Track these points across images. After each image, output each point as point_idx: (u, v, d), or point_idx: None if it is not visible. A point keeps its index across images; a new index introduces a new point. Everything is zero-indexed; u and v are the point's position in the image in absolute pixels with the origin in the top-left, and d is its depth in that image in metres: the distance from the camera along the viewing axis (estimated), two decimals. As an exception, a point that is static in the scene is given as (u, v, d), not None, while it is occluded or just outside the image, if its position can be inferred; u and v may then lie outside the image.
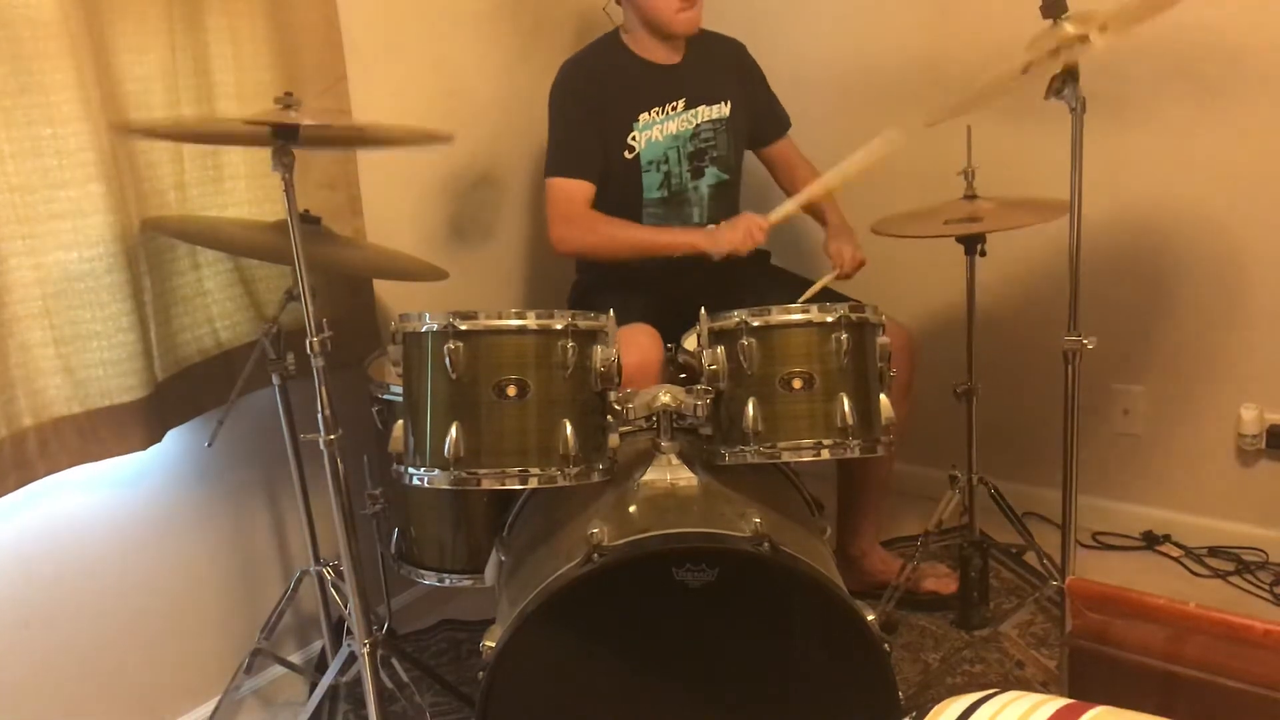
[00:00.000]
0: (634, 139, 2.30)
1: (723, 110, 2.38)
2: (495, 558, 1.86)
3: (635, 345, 2.03)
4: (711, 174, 2.38)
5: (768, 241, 2.22)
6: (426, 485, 1.60)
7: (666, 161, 2.33)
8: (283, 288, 1.96)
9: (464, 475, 1.56)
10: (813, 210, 2.42)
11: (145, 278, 1.88)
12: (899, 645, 2.26)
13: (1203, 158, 2.40)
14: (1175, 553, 2.58)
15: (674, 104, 2.33)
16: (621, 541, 1.52)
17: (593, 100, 2.29)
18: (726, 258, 2.18)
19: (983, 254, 2.16)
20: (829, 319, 1.63)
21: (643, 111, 2.31)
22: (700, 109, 2.36)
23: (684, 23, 2.28)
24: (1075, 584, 1.27)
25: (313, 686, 2.07)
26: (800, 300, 2.18)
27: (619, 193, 2.32)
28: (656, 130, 2.32)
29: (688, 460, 1.70)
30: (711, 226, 2.28)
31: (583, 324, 1.59)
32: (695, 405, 1.66)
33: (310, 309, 1.66)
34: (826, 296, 2.24)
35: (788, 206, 2.22)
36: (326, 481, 1.73)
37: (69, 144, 1.74)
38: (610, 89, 2.30)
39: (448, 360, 1.54)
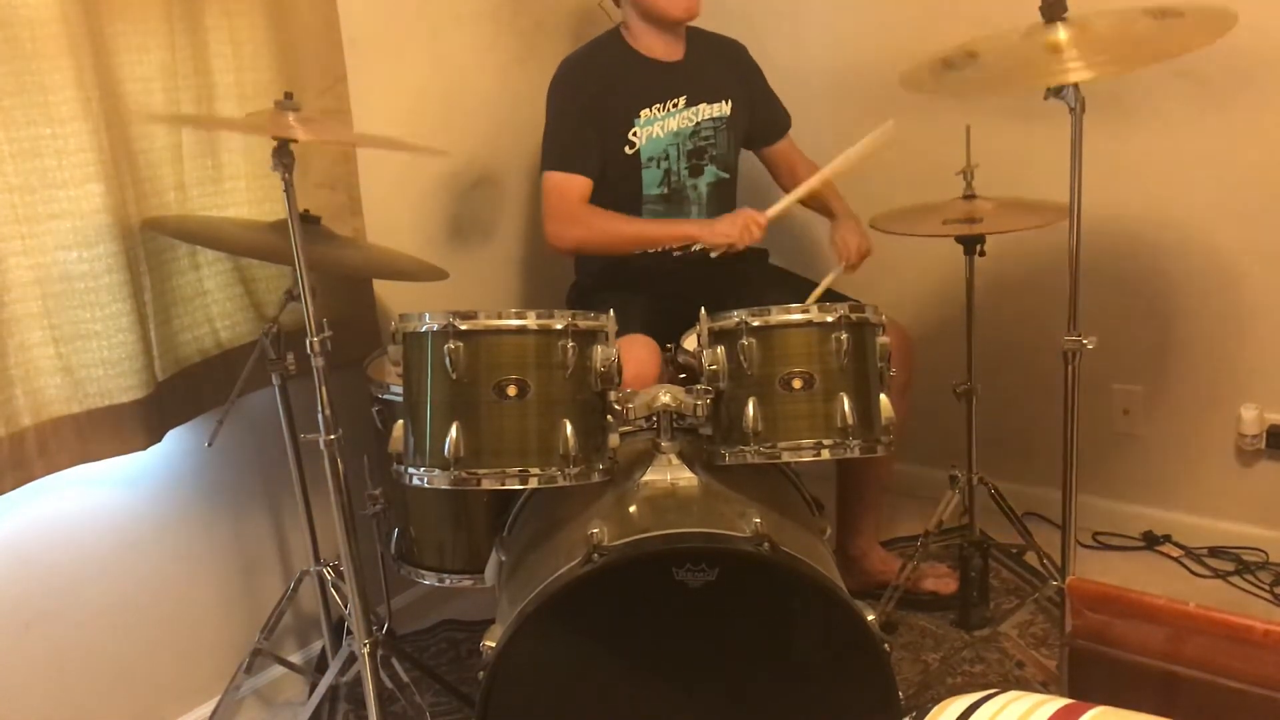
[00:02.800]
0: (635, 134, 2.30)
1: (724, 109, 2.38)
2: (495, 558, 1.86)
3: (633, 358, 2.01)
4: (711, 172, 2.38)
5: (766, 240, 2.22)
6: (426, 485, 1.60)
7: (666, 158, 2.33)
8: (283, 288, 1.96)
9: (464, 475, 1.56)
10: (817, 203, 2.42)
11: (145, 277, 1.88)
12: (899, 645, 2.26)
13: (1203, 158, 2.40)
14: (1175, 553, 2.58)
15: (675, 101, 2.33)
16: (621, 541, 1.52)
17: (593, 95, 2.29)
18: (724, 254, 2.17)
19: (982, 254, 2.16)
20: (829, 319, 1.63)
21: (644, 108, 2.30)
22: (701, 107, 2.35)
23: (678, 6, 2.27)
24: (1075, 584, 1.27)
25: (313, 686, 2.07)
26: (808, 301, 2.18)
27: (619, 188, 2.32)
28: (657, 127, 2.31)
29: (688, 460, 1.70)
30: (708, 219, 2.28)
31: (583, 324, 1.59)
32: (695, 405, 1.66)
33: (310, 309, 1.66)
34: (827, 297, 2.24)
35: (785, 201, 2.22)
36: (326, 481, 1.72)
37: (68, 144, 1.74)
38: (611, 84, 2.30)
39: (448, 360, 1.54)
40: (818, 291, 2.19)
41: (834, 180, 2.25)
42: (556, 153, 2.29)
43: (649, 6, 2.28)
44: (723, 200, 2.42)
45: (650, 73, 2.33)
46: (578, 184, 2.26)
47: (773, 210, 2.19)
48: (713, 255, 2.18)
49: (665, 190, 2.35)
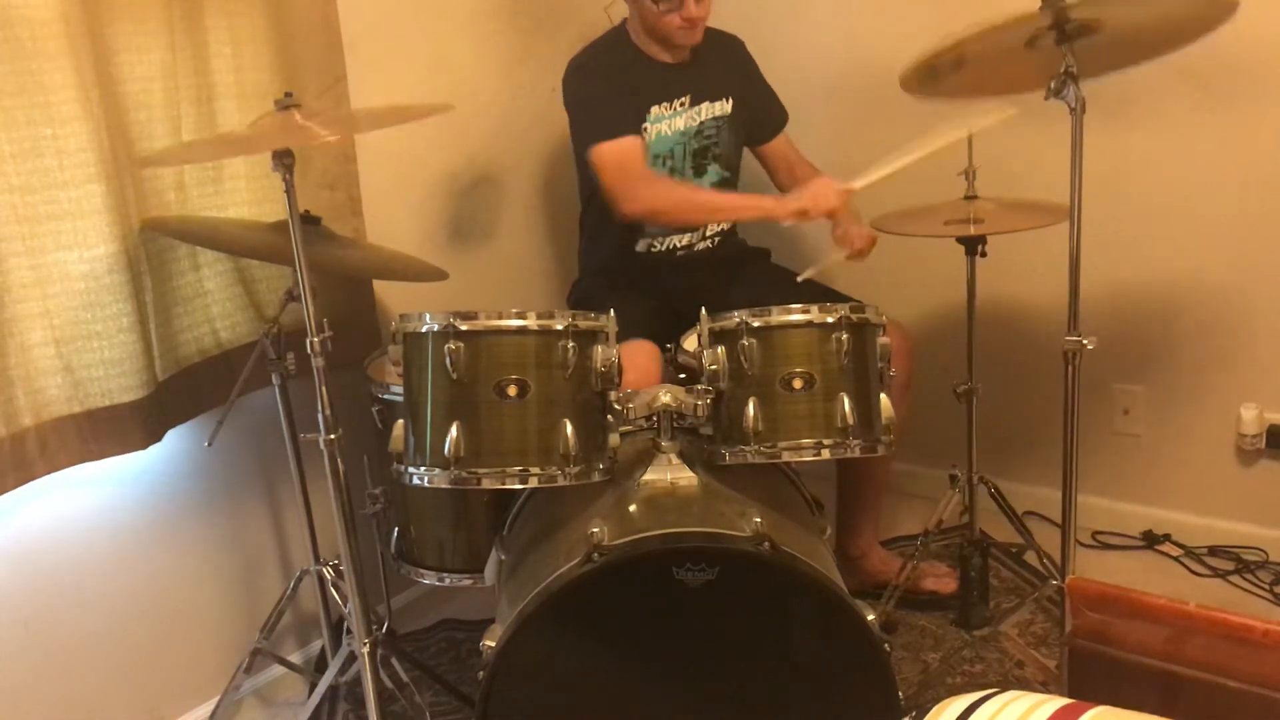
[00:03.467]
0: (646, 130, 2.30)
1: (725, 107, 2.38)
2: (495, 557, 1.86)
3: (633, 365, 1.99)
4: (714, 172, 2.38)
5: (766, 240, 2.21)
6: (426, 485, 1.60)
7: (672, 156, 2.33)
8: (283, 288, 1.96)
9: (464, 475, 1.56)
10: None
11: (145, 278, 1.88)
12: (899, 645, 2.26)
13: (1203, 158, 2.40)
14: (1175, 553, 2.58)
15: (681, 100, 2.33)
16: (621, 541, 1.52)
17: (612, 80, 2.28)
18: (799, 219, 2.12)
19: (983, 254, 2.16)
20: (829, 319, 1.63)
21: (653, 105, 2.30)
22: (704, 105, 2.36)
23: (685, 37, 2.28)
24: (1075, 584, 1.27)
25: (313, 686, 2.07)
26: (802, 277, 2.19)
27: None
28: (665, 125, 2.32)
29: (688, 460, 1.71)
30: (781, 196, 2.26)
31: (583, 324, 1.59)
32: (695, 405, 1.66)
33: (310, 309, 1.66)
34: (828, 296, 2.24)
35: (878, 174, 2.08)
36: (326, 481, 1.73)
37: (69, 144, 1.74)
38: (621, 81, 2.30)
39: (448, 360, 1.54)
40: (810, 272, 2.18)
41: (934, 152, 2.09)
42: (598, 125, 2.23)
43: (655, 29, 2.27)
44: None
45: (657, 72, 2.34)
46: (634, 145, 2.22)
47: (860, 181, 2.10)
48: (784, 224, 2.16)
49: None
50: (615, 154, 2.21)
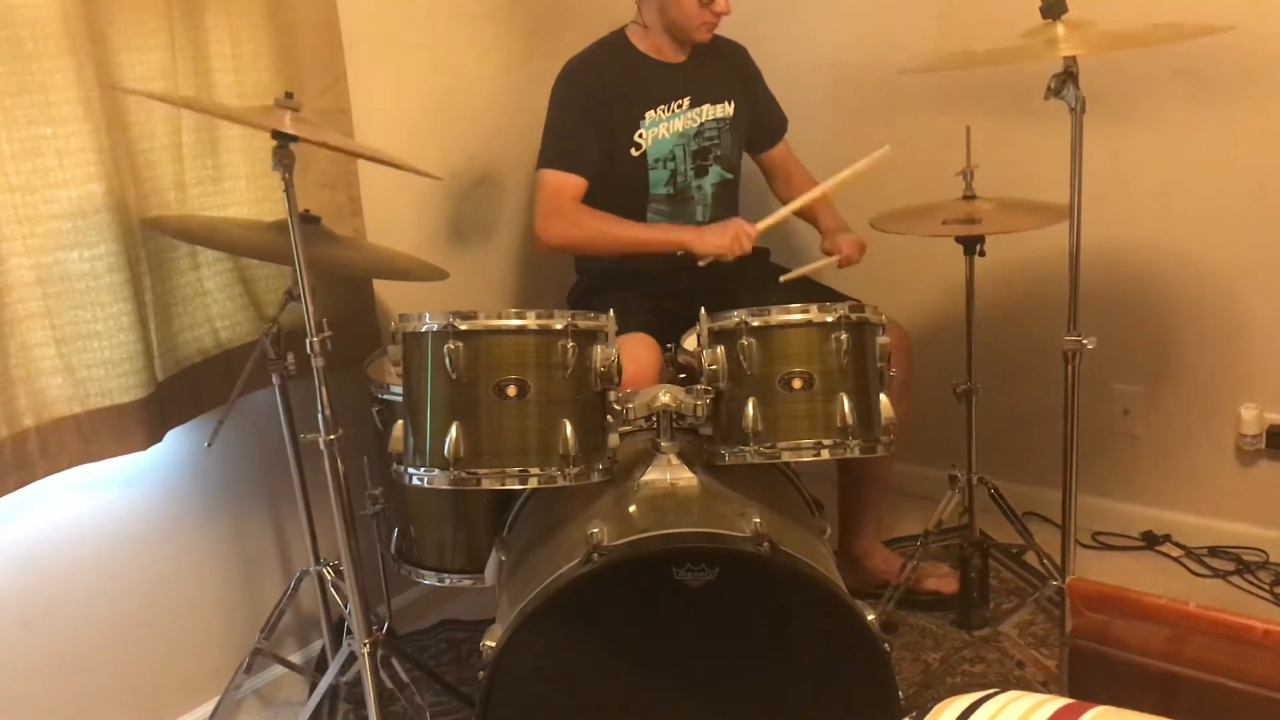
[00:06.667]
0: (641, 136, 2.30)
1: (727, 110, 2.39)
2: (495, 558, 1.86)
3: (632, 357, 2.01)
4: (715, 173, 2.39)
5: (767, 240, 2.22)
6: (426, 485, 1.60)
7: (673, 159, 2.34)
8: (283, 288, 1.96)
9: (464, 475, 1.56)
10: (807, 215, 2.42)
11: (145, 277, 1.88)
12: (899, 645, 2.26)
13: (1203, 157, 2.40)
14: (1175, 553, 2.58)
15: (679, 102, 2.33)
16: (621, 541, 1.52)
17: (598, 96, 2.29)
18: (711, 263, 2.18)
19: (982, 254, 2.16)
20: (829, 319, 1.63)
21: (649, 109, 2.31)
22: (705, 107, 2.36)
23: (705, 31, 2.30)
24: (1075, 584, 1.27)
25: (313, 686, 2.07)
26: (785, 278, 2.21)
27: (625, 189, 2.32)
28: (663, 128, 2.32)
29: (688, 460, 1.70)
30: (700, 226, 2.29)
31: (583, 324, 1.59)
32: (695, 405, 1.66)
33: (310, 309, 1.66)
34: (827, 296, 2.24)
35: (777, 215, 2.23)
36: (326, 481, 1.73)
37: (69, 144, 1.74)
38: (617, 85, 2.30)
39: (448, 360, 1.54)
40: (797, 273, 2.20)
41: (822, 196, 2.26)
42: (554, 151, 2.29)
43: (677, 21, 2.28)
44: (727, 201, 2.43)
45: (655, 74, 2.34)
46: (572, 183, 2.26)
47: (764, 224, 2.21)
48: (700, 264, 2.19)
49: (671, 190, 2.35)
50: (553, 186, 2.26)
